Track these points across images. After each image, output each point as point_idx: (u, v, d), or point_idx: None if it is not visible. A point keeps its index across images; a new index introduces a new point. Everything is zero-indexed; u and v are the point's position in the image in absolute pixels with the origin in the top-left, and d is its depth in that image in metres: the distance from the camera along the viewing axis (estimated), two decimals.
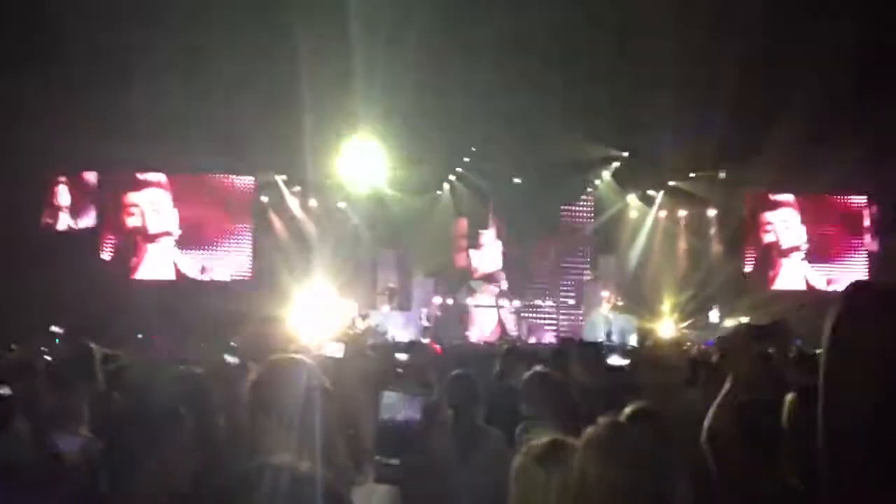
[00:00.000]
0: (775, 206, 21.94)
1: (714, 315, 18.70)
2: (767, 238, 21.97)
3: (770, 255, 21.96)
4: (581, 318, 21.33)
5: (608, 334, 17.82)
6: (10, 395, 3.38)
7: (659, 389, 4.02)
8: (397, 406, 2.01)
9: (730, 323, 18.03)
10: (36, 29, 13.97)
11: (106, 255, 20.24)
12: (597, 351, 5.62)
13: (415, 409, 2.00)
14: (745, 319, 18.06)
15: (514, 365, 4.95)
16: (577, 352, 5.11)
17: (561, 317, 21.89)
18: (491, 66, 16.80)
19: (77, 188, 20.39)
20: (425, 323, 20.22)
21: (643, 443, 2.07)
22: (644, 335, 16.11)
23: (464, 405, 3.49)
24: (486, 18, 15.90)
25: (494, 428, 3.56)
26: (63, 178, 20.22)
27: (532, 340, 19.83)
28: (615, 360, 4.10)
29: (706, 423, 2.96)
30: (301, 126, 17.63)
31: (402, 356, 5.70)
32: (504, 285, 21.92)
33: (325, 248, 20.33)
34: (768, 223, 21.93)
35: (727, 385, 2.83)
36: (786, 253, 21.87)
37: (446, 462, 2.67)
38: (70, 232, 20.17)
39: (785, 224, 21.92)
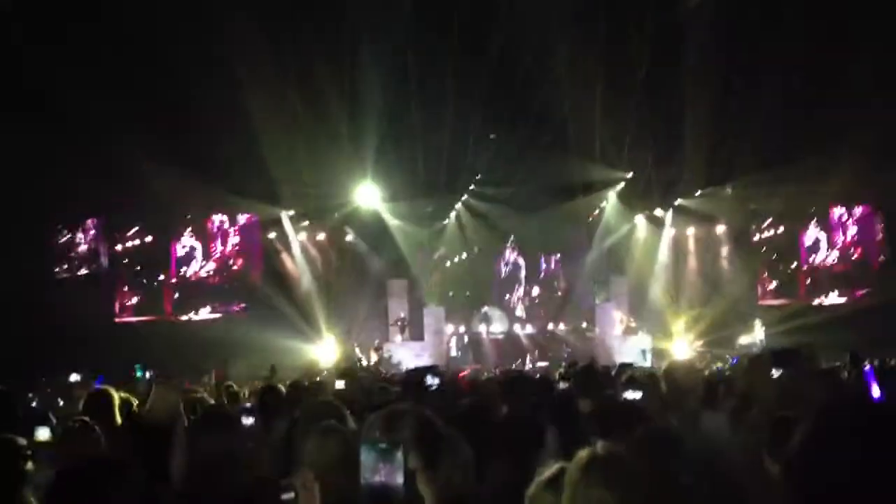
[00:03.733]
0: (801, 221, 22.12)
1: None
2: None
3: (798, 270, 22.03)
4: (591, 338, 21.25)
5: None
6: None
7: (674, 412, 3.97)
8: (378, 462, 1.72)
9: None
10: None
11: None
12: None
13: (398, 463, 1.70)
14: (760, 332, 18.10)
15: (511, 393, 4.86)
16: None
17: (575, 340, 21.73)
18: (492, 96, 16.99)
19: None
20: (453, 353, 20.29)
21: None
22: (660, 356, 15.97)
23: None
24: (485, 50, 16.08)
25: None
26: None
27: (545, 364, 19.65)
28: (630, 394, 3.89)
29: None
30: (308, 162, 17.77)
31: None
32: (519, 312, 21.84)
33: (334, 282, 20.38)
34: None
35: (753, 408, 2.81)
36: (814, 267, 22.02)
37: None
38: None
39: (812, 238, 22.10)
